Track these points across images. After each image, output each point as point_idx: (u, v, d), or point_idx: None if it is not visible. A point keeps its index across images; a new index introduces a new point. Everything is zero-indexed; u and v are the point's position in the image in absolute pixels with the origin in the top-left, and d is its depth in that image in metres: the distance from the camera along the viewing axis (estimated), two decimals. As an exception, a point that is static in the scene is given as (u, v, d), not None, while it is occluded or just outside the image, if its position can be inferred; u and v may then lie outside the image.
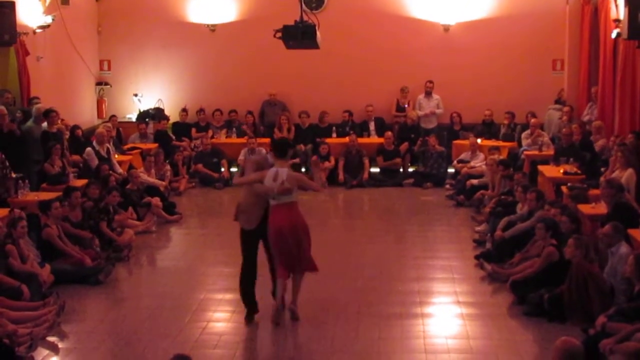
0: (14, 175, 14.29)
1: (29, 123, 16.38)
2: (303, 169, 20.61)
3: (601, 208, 12.86)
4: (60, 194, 14.35)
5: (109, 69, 22.84)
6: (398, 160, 20.56)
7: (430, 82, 21.44)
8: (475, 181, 17.93)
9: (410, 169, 20.80)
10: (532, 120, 19.70)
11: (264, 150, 10.67)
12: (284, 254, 10.68)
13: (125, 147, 20.31)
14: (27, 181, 14.66)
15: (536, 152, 18.48)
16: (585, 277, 10.45)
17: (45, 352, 9.93)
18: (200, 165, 20.34)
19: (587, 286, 10.41)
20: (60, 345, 10.21)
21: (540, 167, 16.86)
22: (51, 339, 10.32)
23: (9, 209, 13.16)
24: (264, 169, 10.84)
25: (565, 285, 10.61)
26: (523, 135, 19.68)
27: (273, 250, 10.81)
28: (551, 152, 17.97)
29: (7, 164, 14.46)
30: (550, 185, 15.72)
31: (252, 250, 10.87)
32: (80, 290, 12.25)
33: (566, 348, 6.85)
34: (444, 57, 21.72)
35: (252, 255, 10.88)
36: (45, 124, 16.52)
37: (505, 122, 20.72)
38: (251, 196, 10.83)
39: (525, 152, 18.87)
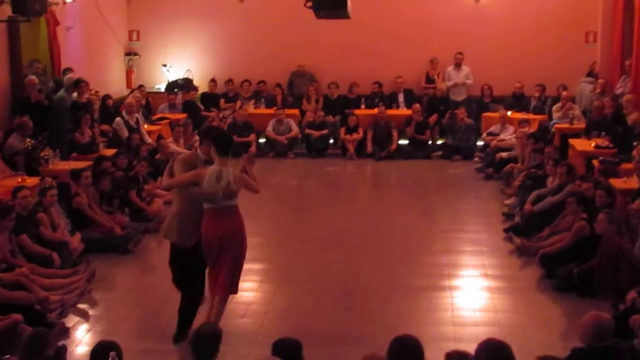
0: (44, 154, 14.34)
1: (61, 93, 16.44)
2: (331, 141, 20.60)
3: (633, 182, 12.74)
4: (90, 163, 14.44)
5: (138, 39, 22.83)
6: (427, 132, 20.46)
7: (460, 53, 21.29)
8: (504, 154, 17.81)
9: (439, 142, 20.70)
10: (564, 93, 19.52)
11: (196, 144, 9.03)
12: (210, 266, 9.23)
13: (154, 117, 20.34)
14: (57, 150, 14.72)
15: (567, 126, 18.31)
16: (616, 252, 10.42)
17: (76, 318, 10.03)
18: (234, 136, 20.25)
19: (618, 261, 10.37)
20: (90, 312, 10.32)
21: (571, 141, 16.71)
22: (82, 306, 10.44)
23: (39, 178, 13.27)
24: (196, 168, 9.20)
25: (596, 260, 10.57)
26: (554, 108, 19.51)
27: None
28: (582, 125, 17.80)
29: (40, 138, 14.58)
30: (580, 159, 15.57)
31: (199, 272, 9.38)
32: (109, 258, 12.34)
33: (596, 322, 6.82)
34: (474, 28, 21.53)
35: (202, 279, 9.45)
36: (75, 94, 16.57)
37: (536, 94, 20.55)
38: (188, 203, 9.19)
39: (555, 125, 18.70)
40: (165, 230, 9.52)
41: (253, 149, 19.83)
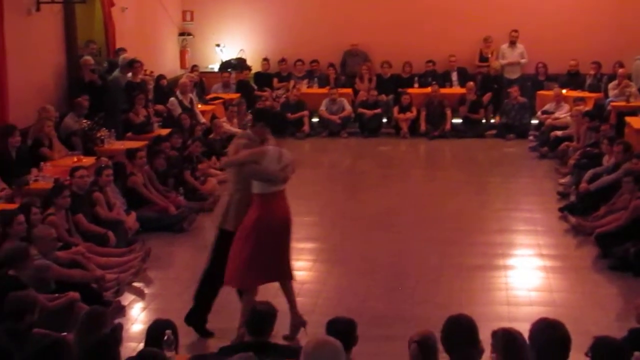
0: (100, 135, 14.48)
1: (115, 73, 16.59)
2: (384, 120, 20.57)
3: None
4: (144, 142, 14.56)
5: (192, 19, 22.87)
6: (480, 111, 20.34)
7: (515, 31, 21.05)
8: (559, 133, 17.65)
9: (492, 120, 20.57)
10: (620, 70, 19.27)
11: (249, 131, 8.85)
12: (264, 254, 8.70)
13: (208, 97, 20.42)
14: (112, 130, 14.86)
15: (623, 103, 18.09)
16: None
17: (132, 296, 10.17)
18: (288, 114, 20.32)
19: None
20: (146, 290, 10.45)
21: (628, 119, 16.51)
22: (137, 284, 10.57)
23: (95, 158, 13.41)
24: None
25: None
26: (610, 85, 19.30)
27: (247, 249, 8.65)
28: (639, 103, 17.61)
29: (100, 120, 14.74)
30: (637, 137, 15.36)
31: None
32: (164, 237, 12.46)
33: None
34: (528, 5, 21.28)
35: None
36: (129, 74, 16.69)
37: (592, 72, 20.30)
38: (246, 189, 8.77)
39: (611, 103, 18.48)
40: (222, 219, 9.07)
41: (306, 127, 19.90)
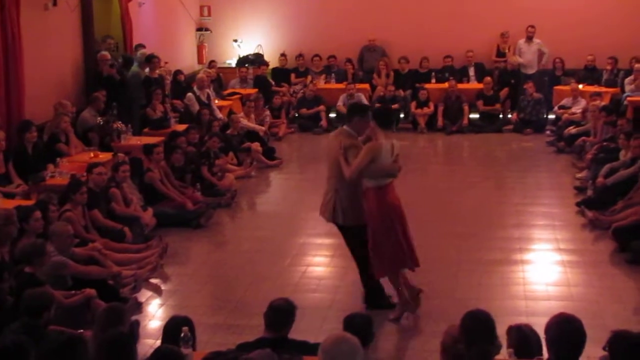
0: (116, 126, 14.49)
1: (134, 68, 16.64)
2: (402, 115, 20.55)
3: None
4: (162, 138, 14.58)
5: (209, 14, 22.89)
6: (497, 105, 20.30)
7: (532, 26, 20.98)
8: (573, 130, 17.55)
9: (509, 115, 20.53)
10: (636, 65, 19.19)
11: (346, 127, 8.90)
12: (399, 241, 9.08)
13: (225, 92, 20.44)
14: (129, 125, 14.88)
15: (640, 98, 18.08)
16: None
17: (149, 293, 10.16)
18: (304, 110, 20.37)
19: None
20: (163, 287, 10.44)
21: (644, 113, 16.49)
22: (154, 280, 10.56)
23: (112, 153, 13.43)
24: (357, 148, 8.97)
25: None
26: (626, 80, 19.24)
27: (383, 240, 9.01)
28: (656, 98, 17.57)
29: (114, 112, 14.76)
30: (654, 132, 15.36)
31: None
32: (182, 233, 12.45)
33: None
34: (546, 1, 21.26)
35: None
36: (147, 69, 16.72)
37: (608, 67, 20.25)
38: (357, 182, 9.06)
39: (628, 98, 18.44)
40: (333, 214, 9.32)
41: (324, 122, 19.91)
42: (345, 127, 9.32)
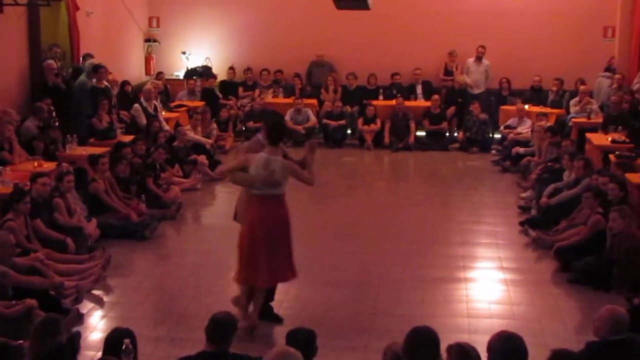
0: (54, 135, 14.37)
1: (82, 77, 16.52)
2: (349, 131, 20.61)
3: (649, 177, 12.71)
4: (107, 149, 14.48)
5: (158, 26, 22.85)
6: (444, 124, 20.44)
7: (482, 47, 21.12)
8: (521, 150, 17.71)
9: (456, 134, 20.68)
10: (581, 87, 19.46)
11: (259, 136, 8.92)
12: (252, 254, 9.13)
13: (173, 104, 20.37)
14: (75, 135, 14.75)
15: (584, 120, 18.25)
16: (635, 246, 10.40)
17: (91, 304, 10.05)
18: (251, 123, 20.31)
19: (637, 255, 10.35)
20: (105, 298, 10.34)
21: (588, 135, 16.64)
22: (97, 292, 10.46)
23: (56, 163, 13.30)
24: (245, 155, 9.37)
25: (614, 255, 10.55)
26: (572, 102, 19.46)
27: (244, 248, 9.20)
28: (600, 119, 17.73)
29: (54, 114, 14.63)
30: (597, 153, 15.51)
31: None
32: (126, 245, 12.36)
33: (612, 316, 6.80)
34: (493, 22, 21.45)
35: None
36: (94, 80, 16.60)
37: (554, 88, 20.51)
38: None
39: (573, 120, 18.65)
40: (235, 214, 9.78)
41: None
42: (258, 135, 9.73)
